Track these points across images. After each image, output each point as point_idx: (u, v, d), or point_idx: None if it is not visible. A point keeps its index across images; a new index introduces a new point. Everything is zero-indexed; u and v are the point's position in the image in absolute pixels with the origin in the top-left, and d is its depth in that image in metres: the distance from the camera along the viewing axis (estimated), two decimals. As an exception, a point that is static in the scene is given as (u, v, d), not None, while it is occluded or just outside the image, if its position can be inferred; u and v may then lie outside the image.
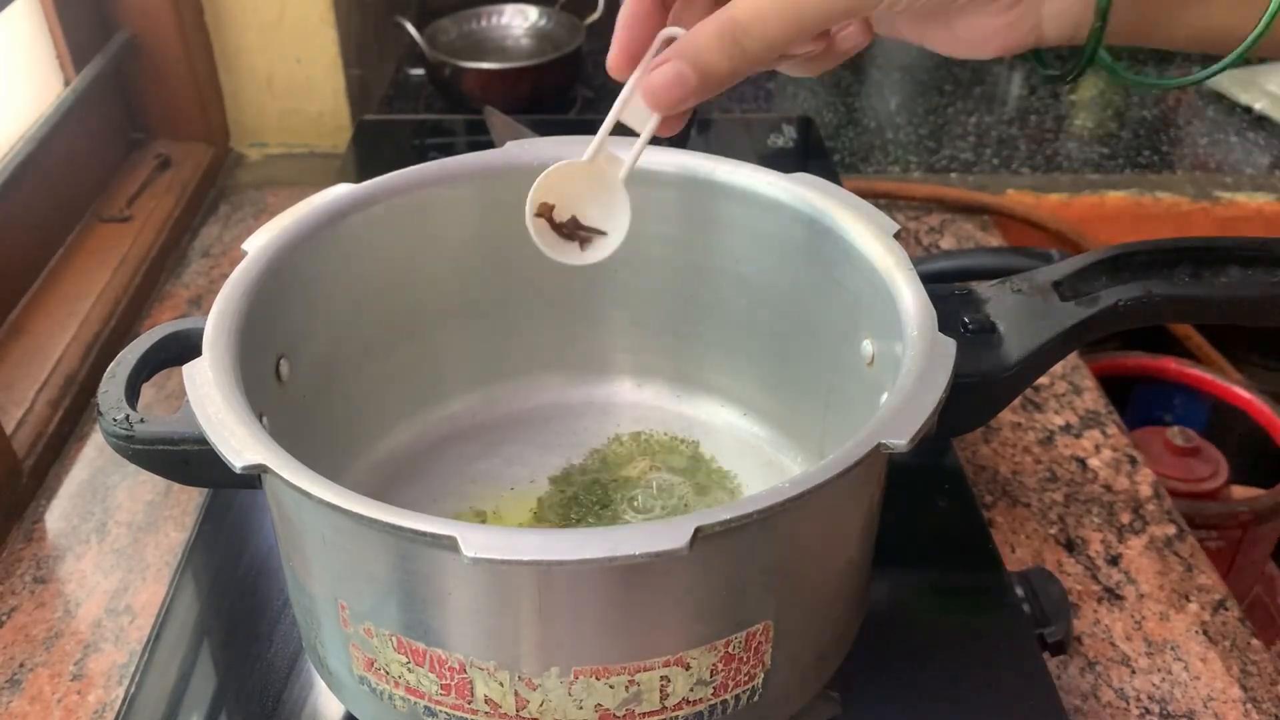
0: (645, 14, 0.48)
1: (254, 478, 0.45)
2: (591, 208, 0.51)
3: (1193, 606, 0.70)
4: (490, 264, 0.65)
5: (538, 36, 1.34)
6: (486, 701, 0.46)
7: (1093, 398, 0.88)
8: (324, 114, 1.21)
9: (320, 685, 0.57)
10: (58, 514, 0.77)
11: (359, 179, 0.60)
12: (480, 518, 0.63)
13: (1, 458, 0.74)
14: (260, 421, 0.46)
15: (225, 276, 0.53)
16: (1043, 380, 0.88)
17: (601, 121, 0.49)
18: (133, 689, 0.59)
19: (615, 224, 0.51)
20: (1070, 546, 0.74)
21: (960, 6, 0.45)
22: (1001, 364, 0.52)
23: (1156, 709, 0.64)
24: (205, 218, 1.11)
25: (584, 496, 0.64)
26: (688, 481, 0.65)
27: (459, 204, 0.63)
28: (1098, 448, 0.82)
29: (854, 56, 0.51)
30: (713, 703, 0.47)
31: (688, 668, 0.45)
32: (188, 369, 0.48)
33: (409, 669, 0.46)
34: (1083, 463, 0.81)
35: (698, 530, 0.39)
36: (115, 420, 0.49)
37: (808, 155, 1.12)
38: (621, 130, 0.49)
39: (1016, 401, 0.85)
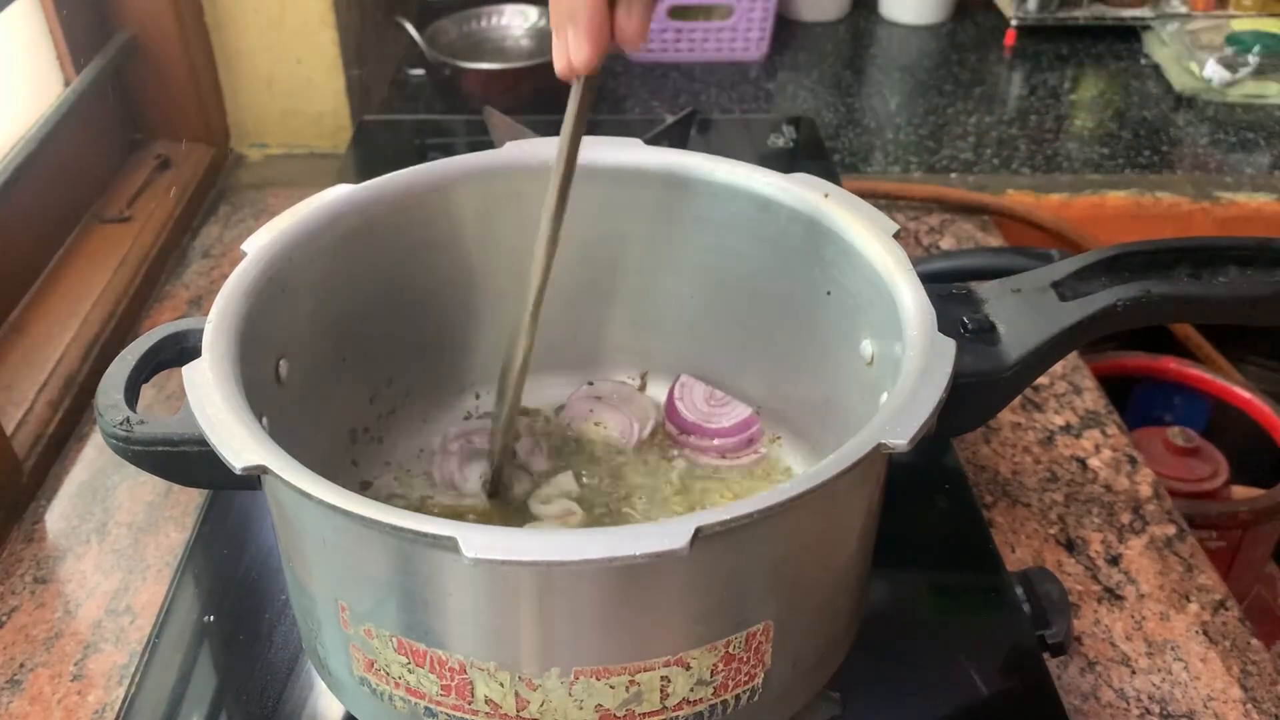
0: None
1: (254, 479, 0.45)
2: None
3: (1193, 606, 0.70)
4: (489, 264, 0.65)
5: (538, 36, 1.34)
6: (487, 702, 0.46)
7: (1093, 398, 0.88)
8: (324, 114, 1.21)
9: (320, 686, 0.57)
10: (58, 514, 0.77)
11: (359, 179, 0.60)
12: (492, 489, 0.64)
13: (1, 458, 0.74)
14: (260, 422, 0.46)
15: (225, 277, 0.53)
16: (1043, 380, 0.88)
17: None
18: (133, 689, 0.59)
19: None
20: (1070, 546, 0.74)
21: None
22: (1001, 364, 0.52)
23: (1156, 709, 0.64)
24: (205, 218, 1.11)
25: (585, 496, 0.64)
26: (688, 479, 0.66)
27: (459, 204, 0.63)
28: (1098, 448, 0.82)
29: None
30: (713, 703, 0.47)
31: (688, 668, 0.45)
32: (187, 370, 0.48)
33: (409, 670, 0.46)
34: (1083, 463, 0.81)
35: (698, 530, 0.39)
36: (114, 421, 0.49)
37: (808, 155, 1.12)
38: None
39: (1016, 401, 0.85)
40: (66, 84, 1.03)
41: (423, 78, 1.35)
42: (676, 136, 0.97)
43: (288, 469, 0.43)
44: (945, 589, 0.66)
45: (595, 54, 0.49)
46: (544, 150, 0.63)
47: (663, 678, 0.45)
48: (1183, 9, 1.50)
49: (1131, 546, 0.74)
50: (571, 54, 0.49)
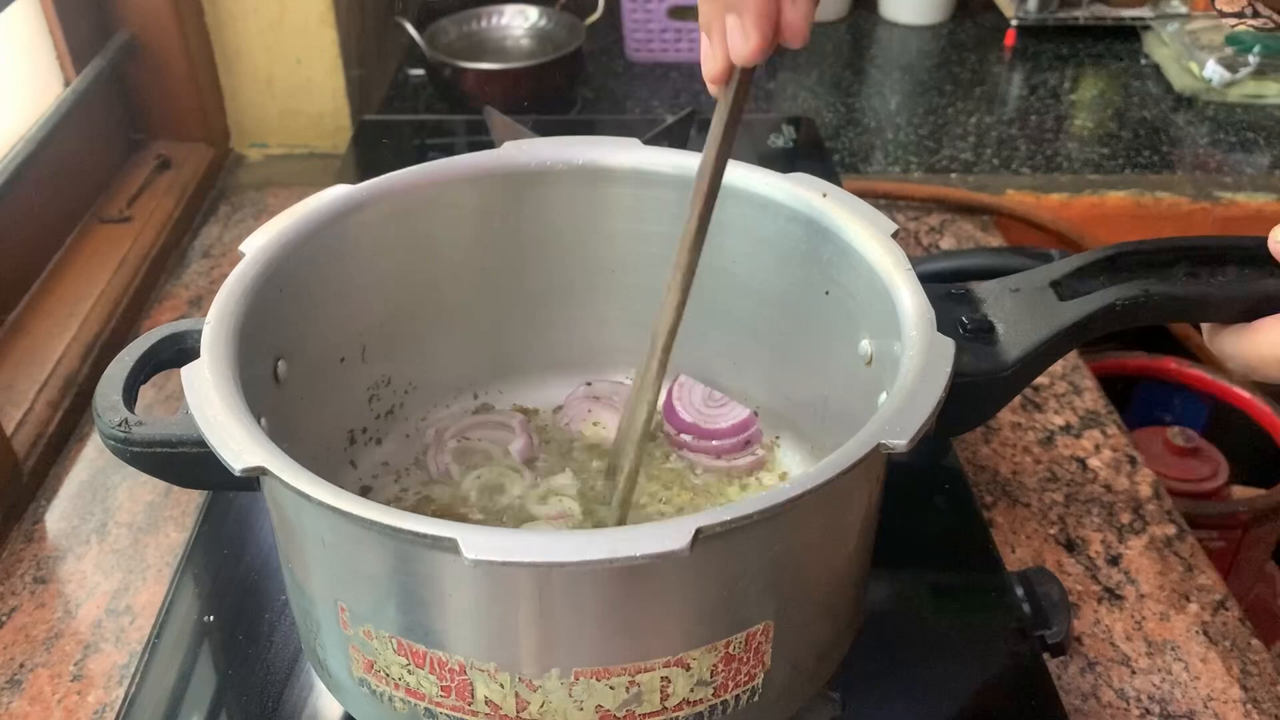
0: None
1: (253, 480, 0.45)
2: None
3: (1193, 606, 0.70)
4: (489, 264, 0.65)
5: (538, 37, 1.34)
6: (487, 703, 0.46)
7: (1093, 398, 0.87)
8: (324, 114, 1.21)
9: (320, 686, 0.57)
10: (58, 514, 0.77)
11: (359, 179, 0.60)
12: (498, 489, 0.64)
13: (1, 458, 0.74)
14: (259, 423, 0.46)
15: (225, 277, 0.53)
16: (1042, 380, 0.88)
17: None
18: (133, 689, 0.59)
19: None
20: (1070, 546, 0.74)
21: None
22: (1000, 363, 0.52)
23: (1157, 709, 0.64)
24: (205, 218, 1.11)
25: (583, 496, 0.64)
26: (686, 480, 0.66)
27: (458, 205, 0.63)
28: (1098, 448, 0.82)
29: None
30: (713, 703, 0.47)
31: (688, 668, 0.45)
32: (186, 372, 0.48)
33: (409, 671, 0.46)
34: (1083, 463, 0.81)
35: (698, 531, 0.39)
36: (112, 423, 0.49)
37: (807, 155, 1.12)
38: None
39: (1016, 401, 0.85)
40: (66, 84, 1.03)
41: (423, 78, 1.35)
42: (676, 136, 0.97)
43: (287, 470, 0.43)
44: (945, 589, 0.66)
45: (763, 44, 0.43)
46: (543, 151, 0.63)
47: (663, 678, 0.45)
48: (1183, 9, 1.50)
49: (1131, 546, 0.74)
50: (734, 45, 0.44)
